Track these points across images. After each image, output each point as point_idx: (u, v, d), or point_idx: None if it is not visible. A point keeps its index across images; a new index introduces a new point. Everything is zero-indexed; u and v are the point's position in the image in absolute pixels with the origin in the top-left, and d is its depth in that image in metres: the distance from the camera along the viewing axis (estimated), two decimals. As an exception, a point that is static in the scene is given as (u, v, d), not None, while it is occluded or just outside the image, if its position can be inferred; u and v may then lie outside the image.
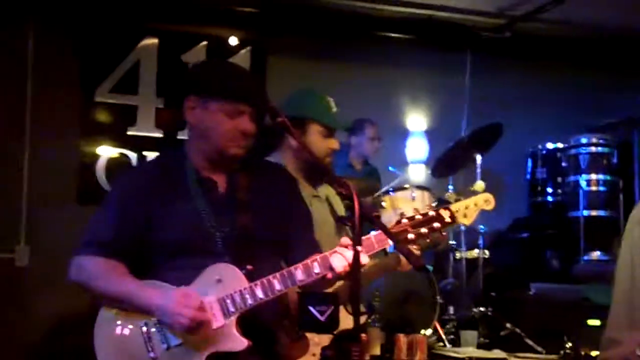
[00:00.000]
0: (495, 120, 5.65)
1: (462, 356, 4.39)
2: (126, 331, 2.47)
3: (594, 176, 6.28)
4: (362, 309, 3.73)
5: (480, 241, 5.49)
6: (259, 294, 2.37)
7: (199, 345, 2.39)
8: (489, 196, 2.68)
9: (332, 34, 6.48)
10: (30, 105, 5.67)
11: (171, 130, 5.94)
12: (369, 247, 2.36)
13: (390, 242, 2.36)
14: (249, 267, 2.41)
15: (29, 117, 5.65)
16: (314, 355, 2.70)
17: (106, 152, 5.90)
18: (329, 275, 2.36)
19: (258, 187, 2.61)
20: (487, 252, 5.50)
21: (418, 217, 2.41)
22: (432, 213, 2.42)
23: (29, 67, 5.68)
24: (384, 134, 6.20)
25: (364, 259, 2.20)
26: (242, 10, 6.16)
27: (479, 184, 5.23)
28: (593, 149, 6.36)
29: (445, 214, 2.43)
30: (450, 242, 5.52)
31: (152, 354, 2.42)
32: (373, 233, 2.37)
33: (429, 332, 4.54)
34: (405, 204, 4.44)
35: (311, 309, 2.27)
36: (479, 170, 5.47)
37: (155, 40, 6.07)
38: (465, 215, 2.60)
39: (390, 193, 4.62)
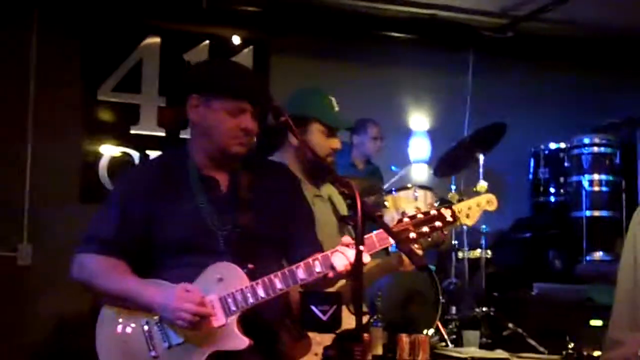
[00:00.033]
0: (497, 120, 5.64)
1: (465, 356, 4.38)
2: (128, 329, 2.48)
3: (596, 176, 6.27)
4: (365, 308, 3.72)
5: (483, 241, 5.48)
6: (260, 292, 2.38)
7: (200, 344, 2.39)
8: (491, 197, 2.68)
9: (335, 33, 6.48)
10: (32, 103, 5.67)
11: (173, 129, 5.94)
12: (371, 246, 2.35)
13: (392, 241, 2.35)
14: (250, 266, 2.41)
15: (31, 116, 5.66)
16: (316, 354, 2.69)
17: (109, 150, 5.90)
18: (330, 274, 2.36)
19: (260, 186, 2.61)
20: (489, 252, 5.49)
21: (420, 216, 2.41)
22: (433, 212, 2.42)
23: (32, 66, 5.69)
24: (387, 133, 6.20)
25: (365, 257, 2.20)
26: (244, 10, 6.16)
27: (482, 185, 5.22)
28: (596, 149, 6.34)
29: (447, 213, 2.43)
30: (453, 242, 5.51)
31: (153, 353, 2.43)
32: (374, 232, 2.37)
33: (431, 332, 4.53)
34: (407, 203, 4.44)
35: (313, 308, 2.27)
36: (481, 170, 5.46)
37: (157, 39, 6.07)
38: (467, 216, 2.60)
39: (393, 193, 4.62)
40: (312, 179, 3.28)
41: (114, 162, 5.86)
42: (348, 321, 2.17)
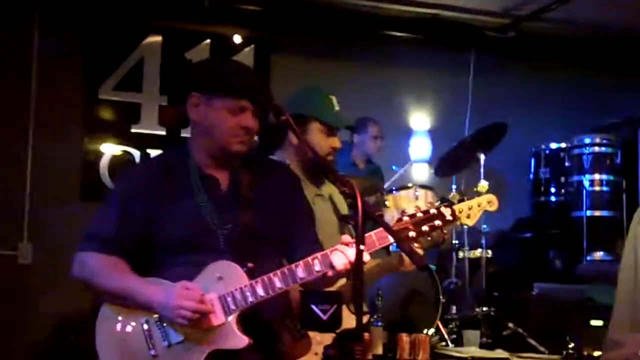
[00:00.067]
0: (498, 119, 5.64)
1: (465, 356, 4.39)
2: (127, 328, 2.48)
3: (597, 176, 6.27)
4: (365, 308, 3.72)
5: (483, 241, 5.47)
6: (260, 291, 2.37)
7: (199, 343, 2.40)
8: (492, 197, 2.68)
9: (337, 32, 6.48)
10: (34, 102, 5.68)
11: (174, 128, 5.94)
12: (370, 245, 2.35)
13: (391, 240, 2.35)
14: (250, 264, 2.41)
15: (32, 114, 5.67)
16: (316, 354, 2.69)
17: (110, 149, 5.91)
18: (330, 273, 2.36)
19: (260, 184, 2.61)
20: (490, 251, 5.49)
21: (419, 214, 2.41)
22: (433, 211, 2.42)
23: (34, 64, 5.69)
24: (388, 132, 6.20)
25: (365, 256, 2.19)
26: (246, 8, 6.16)
27: (483, 185, 5.22)
28: (596, 149, 6.34)
29: (447, 212, 2.43)
30: (453, 241, 5.51)
31: (152, 351, 2.43)
32: (374, 231, 2.37)
33: (431, 331, 4.54)
34: (408, 203, 4.43)
35: (314, 307, 2.27)
36: (482, 169, 5.46)
37: (159, 38, 6.08)
38: (468, 216, 2.60)
39: (394, 192, 4.62)
40: (312, 178, 3.28)
41: (114, 161, 5.87)
42: (348, 321, 2.17)
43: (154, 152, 5.88)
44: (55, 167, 5.64)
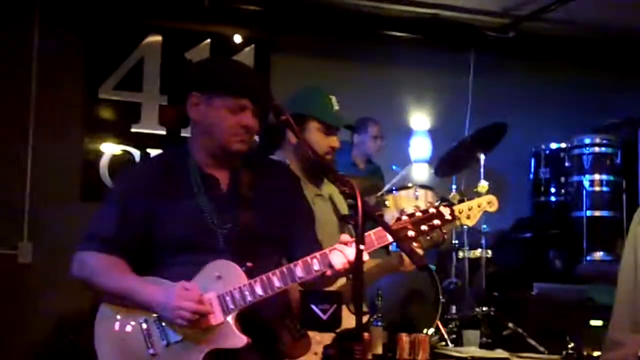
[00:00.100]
0: (498, 119, 5.64)
1: (465, 356, 4.39)
2: (126, 327, 2.48)
3: (597, 176, 6.27)
4: (365, 308, 3.73)
5: (483, 241, 5.48)
6: (259, 290, 2.37)
7: (198, 342, 2.39)
8: (492, 198, 2.68)
9: (337, 32, 6.48)
10: (34, 101, 5.68)
11: (174, 128, 5.94)
12: (369, 245, 2.35)
13: (390, 239, 2.35)
14: (249, 264, 2.41)
15: (32, 114, 5.67)
16: (315, 354, 2.69)
17: (110, 149, 5.91)
18: (329, 272, 2.36)
19: (260, 184, 2.61)
20: (490, 251, 5.49)
21: (418, 214, 2.41)
22: (432, 210, 2.41)
23: (34, 64, 5.69)
24: (388, 132, 6.20)
25: (364, 256, 2.19)
26: (246, 8, 6.16)
27: (483, 185, 5.22)
28: (596, 149, 6.34)
29: (446, 211, 2.42)
30: (453, 241, 5.52)
31: (151, 350, 2.43)
32: (373, 230, 2.36)
33: (431, 331, 4.54)
34: (408, 203, 4.43)
35: (314, 307, 2.27)
36: (482, 169, 5.46)
37: (159, 38, 6.08)
38: (468, 217, 2.60)
39: (394, 192, 4.62)
40: (312, 178, 3.28)
41: (114, 161, 5.87)
42: (348, 320, 2.17)
43: (154, 152, 5.88)
44: (55, 167, 5.64)
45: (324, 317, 2.26)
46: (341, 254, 2.34)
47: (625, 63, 7.03)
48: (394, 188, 4.69)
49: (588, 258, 6.05)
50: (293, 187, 2.75)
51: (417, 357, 4.07)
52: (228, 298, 2.38)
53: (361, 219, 2.08)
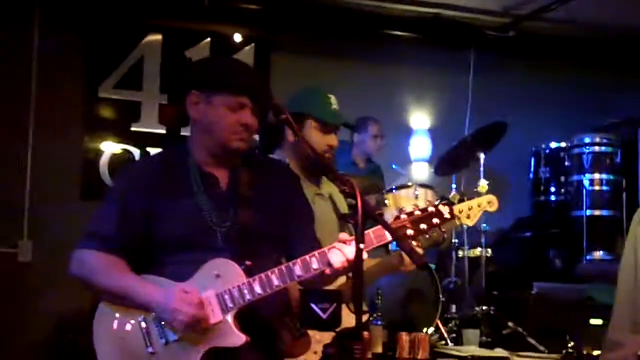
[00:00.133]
0: (498, 119, 5.64)
1: (464, 355, 4.39)
2: (125, 326, 2.47)
3: (597, 176, 6.27)
4: (365, 307, 3.72)
5: (483, 240, 5.48)
6: (257, 289, 2.37)
7: (197, 341, 2.39)
8: (492, 198, 2.68)
9: (337, 31, 6.47)
10: (34, 100, 5.68)
11: (174, 127, 5.94)
12: (368, 243, 2.35)
13: (389, 237, 2.35)
14: (247, 262, 2.41)
15: (32, 113, 5.67)
16: (315, 353, 2.69)
17: (109, 148, 5.91)
18: (327, 270, 2.36)
19: (260, 183, 2.61)
20: (489, 250, 5.49)
21: (417, 212, 2.41)
22: (431, 209, 2.42)
23: (34, 63, 5.69)
24: (388, 132, 6.20)
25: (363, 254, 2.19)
26: (246, 7, 6.16)
27: (483, 185, 5.21)
28: (596, 148, 6.34)
29: (445, 210, 2.43)
30: (453, 240, 5.51)
31: (150, 349, 2.43)
32: (371, 229, 2.36)
33: (431, 330, 4.54)
34: (408, 202, 4.43)
35: (313, 306, 2.27)
36: (482, 169, 5.46)
37: (159, 37, 6.08)
38: (468, 217, 2.60)
39: (394, 191, 4.62)
40: (312, 177, 3.28)
41: (114, 160, 5.87)
42: (348, 319, 2.17)
43: (153, 151, 5.88)
44: (55, 166, 5.64)
45: (324, 316, 2.26)
46: (340, 253, 2.35)
47: (625, 63, 7.03)
48: (393, 187, 4.69)
49: (588, 257, 6.05)
50: (292, 185, 2.75)
51: (417, 356, 4.06)
52: (227, 297, 2.38)
53: (361, 218, 2.08)
